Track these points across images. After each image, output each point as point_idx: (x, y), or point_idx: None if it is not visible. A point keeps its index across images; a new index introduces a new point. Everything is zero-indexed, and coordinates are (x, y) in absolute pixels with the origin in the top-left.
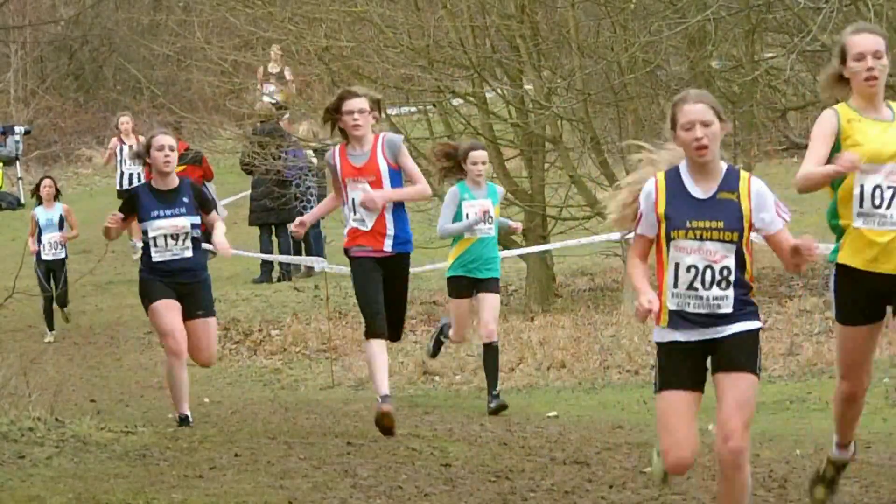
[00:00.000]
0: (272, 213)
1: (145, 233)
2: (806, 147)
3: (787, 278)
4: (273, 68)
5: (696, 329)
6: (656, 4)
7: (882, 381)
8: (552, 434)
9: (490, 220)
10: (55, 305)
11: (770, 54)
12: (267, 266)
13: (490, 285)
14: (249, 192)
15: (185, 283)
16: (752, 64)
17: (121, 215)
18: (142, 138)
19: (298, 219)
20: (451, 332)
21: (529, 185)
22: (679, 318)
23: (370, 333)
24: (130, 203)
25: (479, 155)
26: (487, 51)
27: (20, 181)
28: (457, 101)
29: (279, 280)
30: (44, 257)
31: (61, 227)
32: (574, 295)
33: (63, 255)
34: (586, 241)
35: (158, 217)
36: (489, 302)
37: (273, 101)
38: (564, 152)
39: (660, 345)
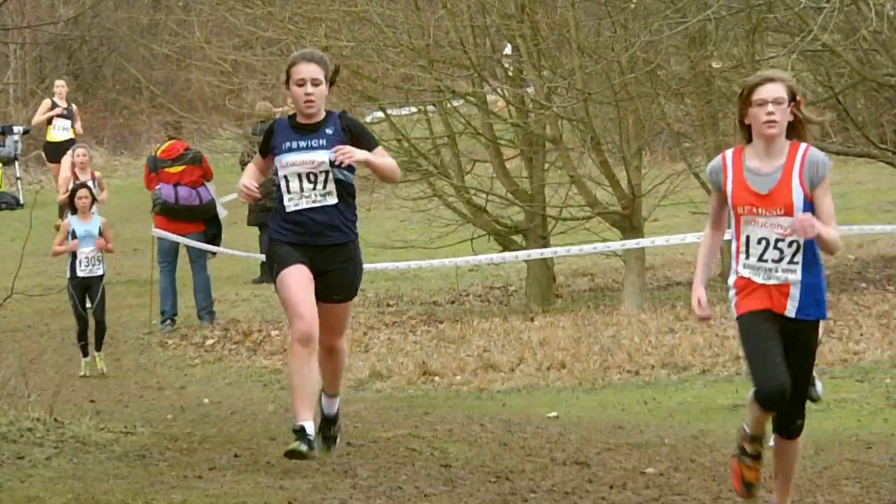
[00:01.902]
0: (271, 212)
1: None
2: None
3: None
4: None
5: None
6: (657, 4)
7: (883, 382)
8: (552, 435)
9: None
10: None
11: (771, 54)
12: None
13: None
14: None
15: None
16: (753, 63)
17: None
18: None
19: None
20: None
21: (529, 185)
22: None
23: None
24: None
25: None
26: (487, 51)
27: (19, 181)
28: (457, 101)
29: None
30: (79, 273)
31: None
32: (574, 295)
33: (101, 272)
34: (589, 249)
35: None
36: None
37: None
38: (564, 152)
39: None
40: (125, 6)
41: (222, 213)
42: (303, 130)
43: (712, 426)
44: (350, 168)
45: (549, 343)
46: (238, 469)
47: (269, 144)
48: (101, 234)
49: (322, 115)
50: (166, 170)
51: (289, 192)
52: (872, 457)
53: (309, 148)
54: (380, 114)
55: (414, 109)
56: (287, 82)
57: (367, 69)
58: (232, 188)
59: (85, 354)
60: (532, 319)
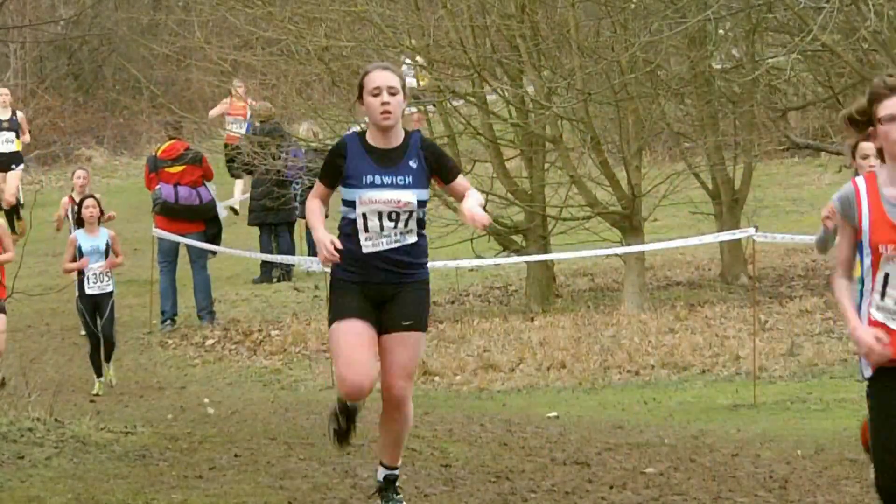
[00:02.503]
0: (272, 213)
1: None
2: (807, 147)
3: (788, 278)
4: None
5: None
6: (657, 4)
7: None
8: (552, 434)
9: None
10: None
11: (771, 54)
12: (267, 266)
13: None
14: (249, 192)
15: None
16: (753, 64)
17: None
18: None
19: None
20: None
21: (529, 185)
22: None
23: None
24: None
25: None
26: (487, 51)
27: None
28: (457, 102)
29: (279, 280)
30: (87, 291)
31: (107, 255)
32: (574, 295)
33: (110, 288)
34: (590, 252)
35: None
36: None
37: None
38: (564, 152)
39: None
40: (125, 6)
41: (222, 213)
42: (384, 161)
43: (712, 426)
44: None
45: (549, 343)
46: (238, 469)
47: (339, 172)
48: (108, 249)
49: (400, 133)
50: (166, 170)
51: (366, 230)
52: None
53: (394, 186)
54: None
55: (414, 109)
56: (360, 96)
57: None
58: (232, 188)
59: (99, 375)
60: (532, 319)
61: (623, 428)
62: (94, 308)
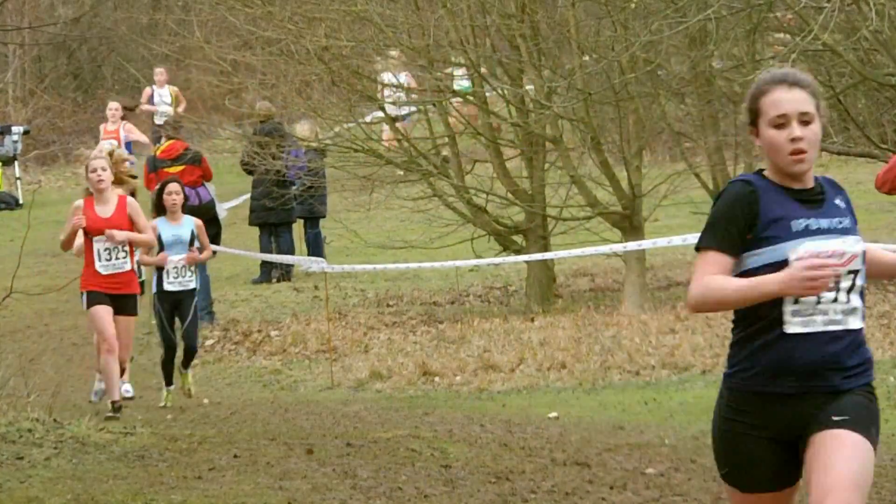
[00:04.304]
0: (272, 213)
1: None
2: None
3: None
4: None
5: None
6: (657, 4)
7: (884, 382)
8: (553, 435)
9: None
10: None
11: (771, 54)
12: (266, 266)
13: None
14: (249, 193)
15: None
16: (754, 63)
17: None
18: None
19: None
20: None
21: (529, 185)
22: None
23: None
24: None
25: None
26: (488, 51)
27: (18, 181)
28: (457, 102)
29: (279, 280)
30: (167, 287)
31: (191, 247)
32: (574, 295)
33: (193, 285)
34: (591, 250)
35: None
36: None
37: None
38: (564, 152)
39: None
40: (125, 6)
41: (222, 213)
42: (806, 201)
43: None
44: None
45: (549, 343)
46: (238, 469)
47: (749, 226)
48: (193, 239)
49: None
50: (166, 170)
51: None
52: None
53: (834, 230)
54: (379, 113)
55: (414, 109)
56: (753, 121)
57: (367, 69)
58: (232, 188)
59: (168, 383)
60: (532, 320)
61: (623, 428)
62: (174, 307)
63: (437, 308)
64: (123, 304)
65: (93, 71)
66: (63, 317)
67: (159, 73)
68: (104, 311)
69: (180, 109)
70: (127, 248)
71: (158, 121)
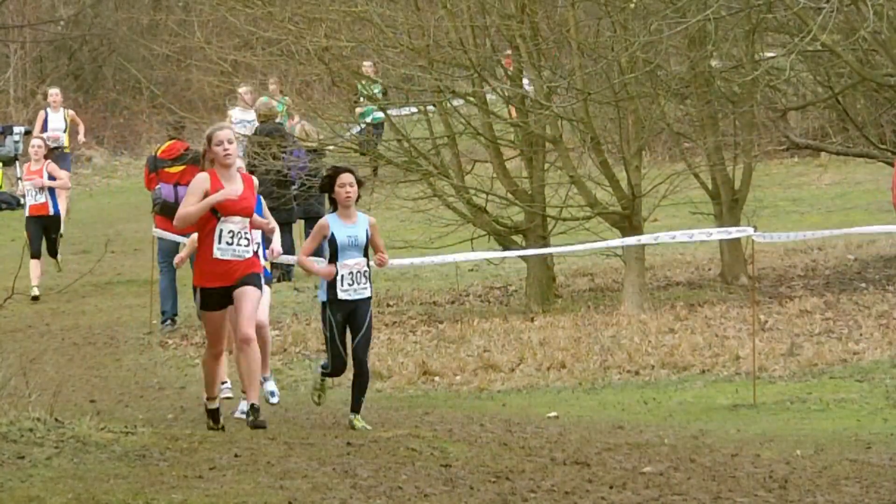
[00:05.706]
0: (272, 213)
1: None
2: (806, 147)
3: (788, 278)
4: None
5: None
6: (657, 4)
7: (883, 382)
8: (552, 434)
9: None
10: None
11: (770, 54)
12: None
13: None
14: None
15: None
16: (753, 64)
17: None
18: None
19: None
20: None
21: (529, 185)
22: None
23: None
24: None
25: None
26: (488, 51)
27: (19, 181)
28: (457, 101)
29: (279, 280)
30: (341, 296)
31: (367, 249)
32: (574, 295)
33: (368, 293)
34: (589, 247)
35: None
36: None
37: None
38: (564, 152)
39: None
40: (125, 6)
41: None
42: None
43: (712, 426)
44: None
45: (549, 343)
46: (238, 469)
47: None
48: (368, 240)
49: None
50: (166, 170)
51: None
52: (872, 457)
53: None
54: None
55: (414, 109)
56: None
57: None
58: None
59: (356, 409)
60: (532, 319)
61: (623, 428)
62: (346, 319)
63: (437, 308)
64: (245, 282)
65: (94, 71)
66: (64, 317)
67: (54, 94)
68: (218, 317)
69: (80, 134)
70: (250, 235)
71: (52, 145)
